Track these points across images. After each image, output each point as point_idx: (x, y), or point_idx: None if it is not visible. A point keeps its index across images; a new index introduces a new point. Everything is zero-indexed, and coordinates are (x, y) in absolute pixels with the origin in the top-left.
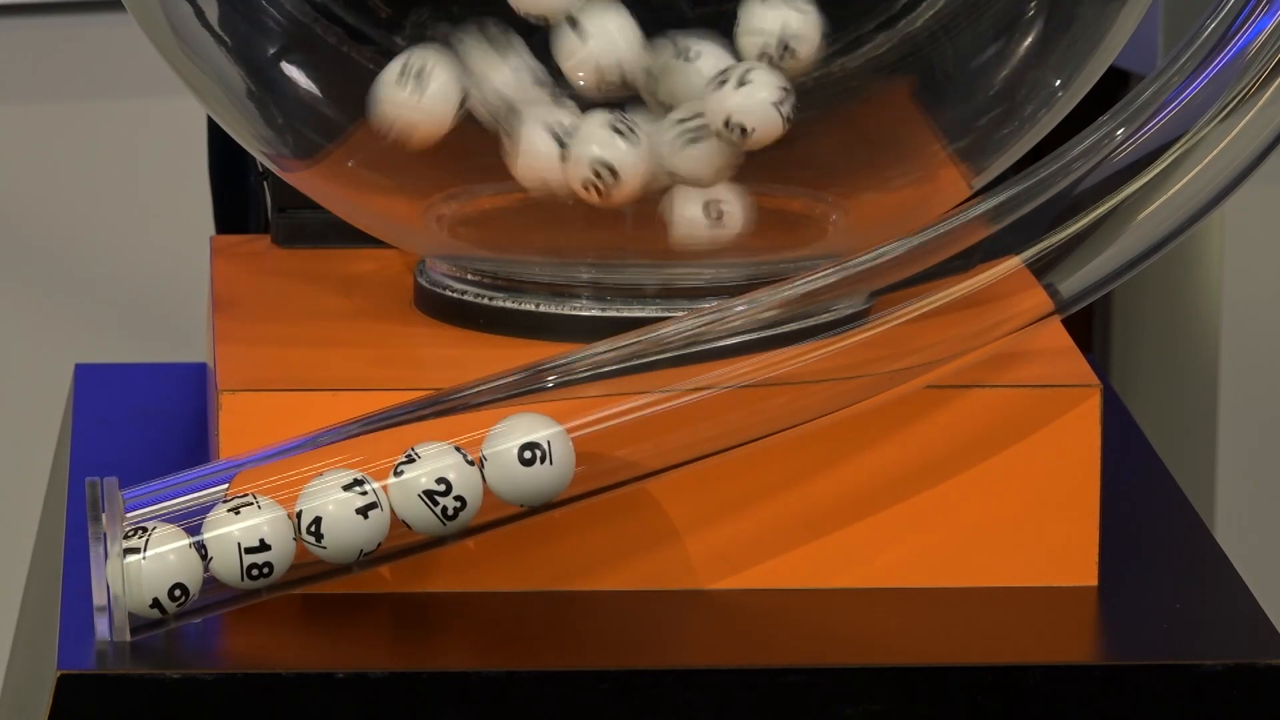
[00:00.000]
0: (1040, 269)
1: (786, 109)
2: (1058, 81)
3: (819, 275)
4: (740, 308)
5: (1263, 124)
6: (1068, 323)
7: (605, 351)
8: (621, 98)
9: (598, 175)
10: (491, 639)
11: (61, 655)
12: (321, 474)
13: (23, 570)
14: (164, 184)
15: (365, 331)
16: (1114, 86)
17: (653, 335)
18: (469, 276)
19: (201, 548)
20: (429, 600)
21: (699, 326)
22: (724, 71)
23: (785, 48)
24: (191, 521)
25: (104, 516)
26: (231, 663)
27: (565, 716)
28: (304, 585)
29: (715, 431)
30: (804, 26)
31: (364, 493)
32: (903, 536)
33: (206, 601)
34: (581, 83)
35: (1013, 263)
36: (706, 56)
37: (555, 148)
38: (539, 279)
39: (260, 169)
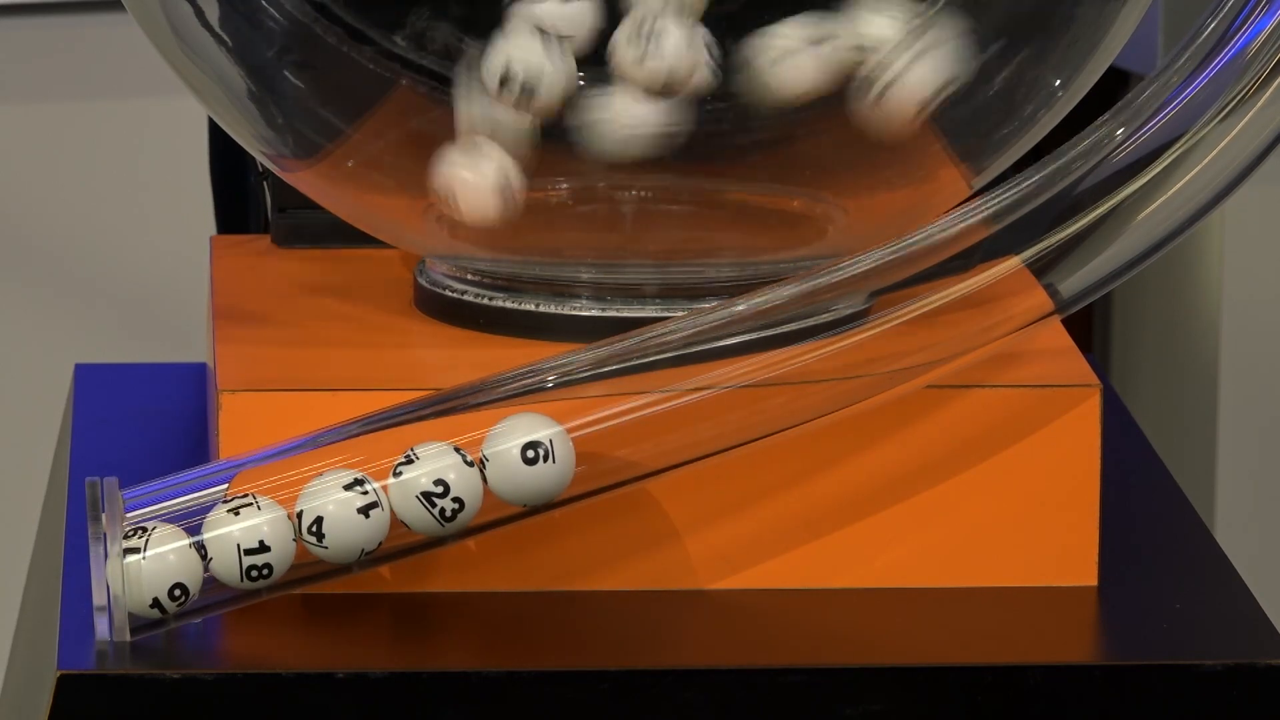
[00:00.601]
0: (1040, 269)
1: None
2: (1058, 81)
3: (819, 275)
4: (740, 308)
5: (1263, 124)
6: (1068, 323)
7: (605, 351)
8: None
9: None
10: (491, 639)
11: (61, 655)
12: (322, 474)
13: (23, 570)
14: (164, 184)
15: (365, 331)
16: (1114, 86)
17: (653, 335)
18: (469, 276)
19: (201, 548)
20: (429, 600)
21: (699, 326)
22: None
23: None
24: (191, 521)
25: (104, 516)
26: (231, 663)
27: (565, 716)
28: (304, 585)
29: (715, 431)
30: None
31: (365, 492)
32: (903, 536)
33: (206, 601)
34: None
35: (1013, 263)
36: None
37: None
38: (539, 279)
39: (260, 169)
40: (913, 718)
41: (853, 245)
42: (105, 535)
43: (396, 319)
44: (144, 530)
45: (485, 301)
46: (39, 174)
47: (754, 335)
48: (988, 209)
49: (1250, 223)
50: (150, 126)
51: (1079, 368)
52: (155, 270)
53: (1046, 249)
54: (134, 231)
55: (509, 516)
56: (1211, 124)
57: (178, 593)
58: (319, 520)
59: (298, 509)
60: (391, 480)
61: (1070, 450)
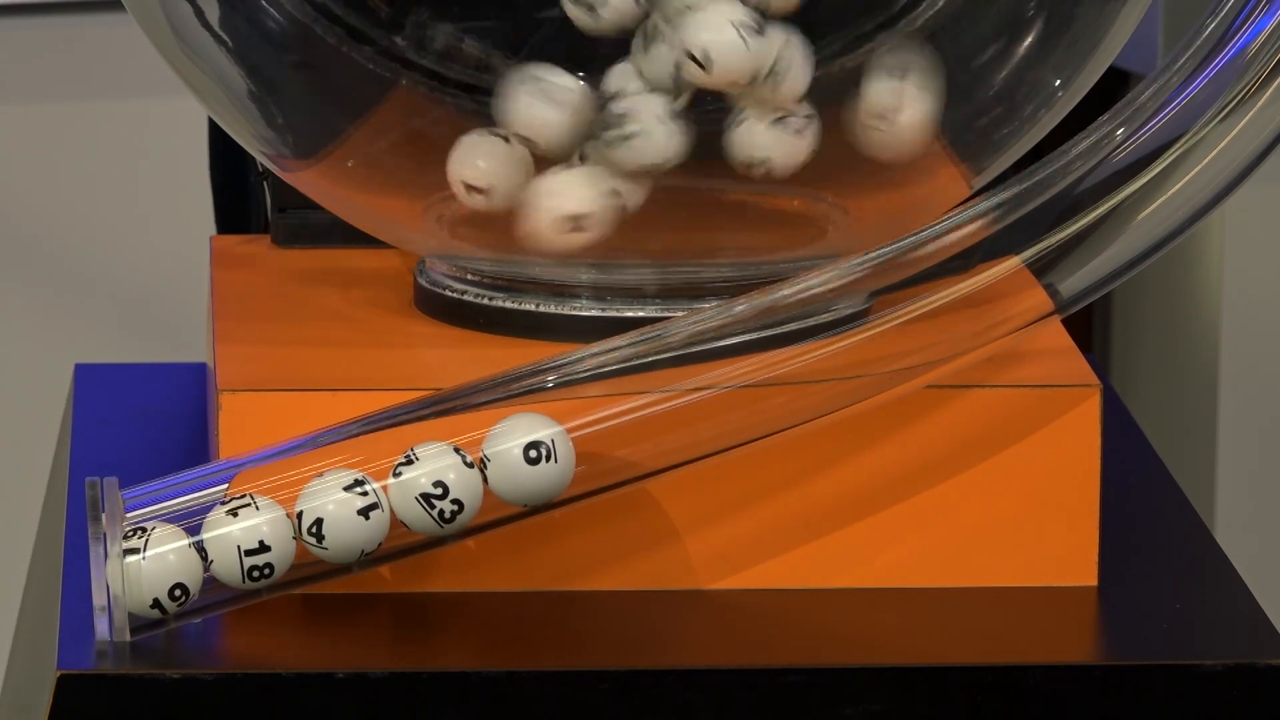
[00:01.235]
0: (1040, 269)
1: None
2: (1058, 81)
3: (819, 275)
4: (740, 308)
5: (1263, 124)
6: (1068, 323)
7: (605, 351)
8: None
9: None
10: (491, 639)
11: (61, 655)
12: (322, 474)
13: (23, 570)
14: (164, 184)
15: (365, 331)
16: (1114, 86)
17: (653, 335)
18: (469, 276)
19: (201, 548)
20: (429, 600)
21: (699, 326)
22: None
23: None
24: (191, 522)
25: (104, 516)
26: (231, 663)
27: (565, 716)
28: (304, 585)
29: (715, 431)
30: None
31: (364, 493)
32: (903, 536)
33: (206, 601)
34: None
35: (1013, 263)
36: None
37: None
38: (539, 279)
39: (260, 169)
40: (913, 718)
41: (853, 245)
42: (105, 535)
43: (396, 319)
44: (144, 530)
45: (485, 301)
46: (39, 174)
47: (754, 335)
48: (988, 209)
49: (1250, 223)
50: (150, 126)
51: (1079, 368)
52: (155, 270)
53: (1046, 249)
54: (134, 231)
55: (509, 516)
56: (1211, 124)
57: (178, 593)
58: (319, 521)
59: (297, 509)
60: (391, 481)
61: (1070, 450)
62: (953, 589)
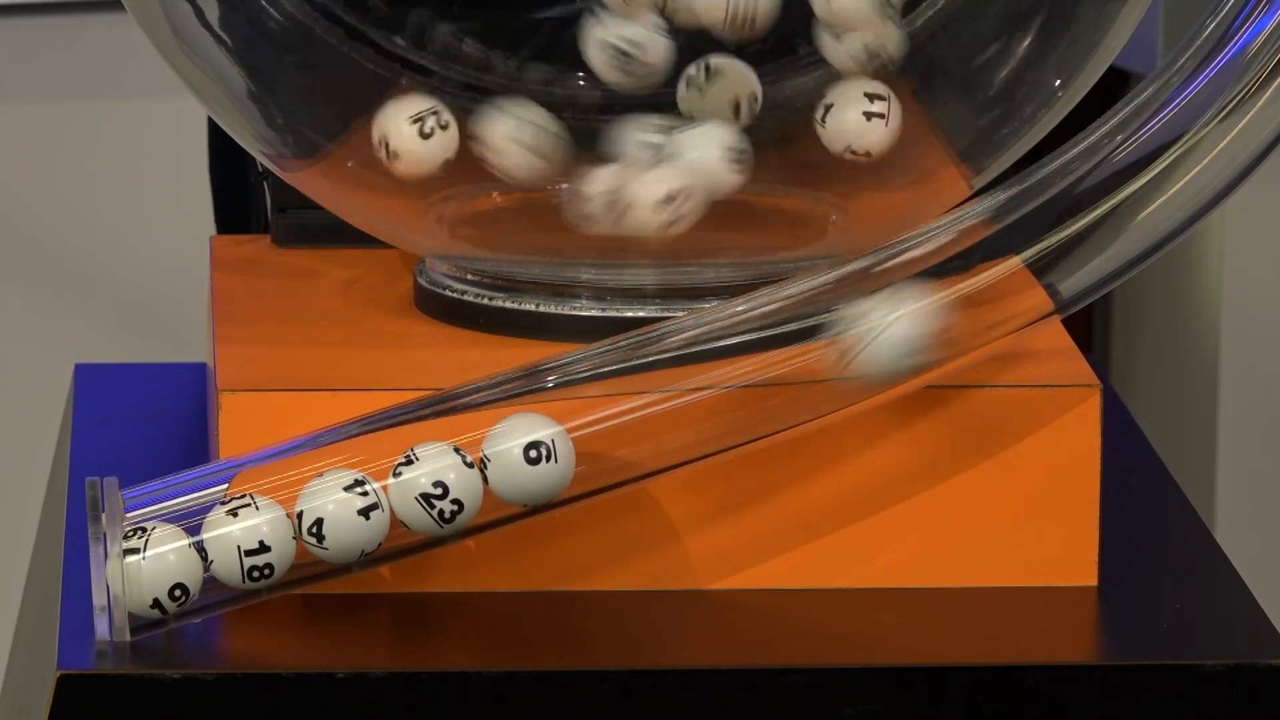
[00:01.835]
0: (1040, 269)
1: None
2: (1058, 81)
3: (819, 275)
4: (740, 308)
5: (1263, 124)
6: (1068, 323)
7: (605, 351)
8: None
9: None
10: (491, 639)
11: (61, 655)
12: (322, 474)
13: (23, 570)
14: (164, 184)
15: (365, 331)
16: (1114, 86)
17: (653, 335)
18: (469, 276)
19: (201, 548)
20: (429, 600)
21: (699, 326)
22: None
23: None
24: (191, 522)
25: (104, 516)
26: (231, 663)
27: (565, 716)
28: (304, 585)
29: (715, 431)
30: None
31: (364, 493)
32: (903, 536)
33: (206, 601)
34: None
35: (1013, 263)
36: None
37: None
38: (539, 279)
39: (260, 169)
40: (913, 718)
41: (853, 245)
42: (105, 535)
43: (396, 319)
44: (144, 530)
45: (485, 301)
46: (39, 174)
47: (754, 335)
48: (988, 209)
49: (1250, 223)
50: (150, 126)
51: (1079, 368)
52: (155, 270)
53: (1046, 249)
54: (134, 231)
55: (509, 516)
56: (1211, 124)
57: (178, 593)
58: (319, 521)
59: (298, 509)
60: (391, 480)
61: (1070, 450)
62: (953, 589)
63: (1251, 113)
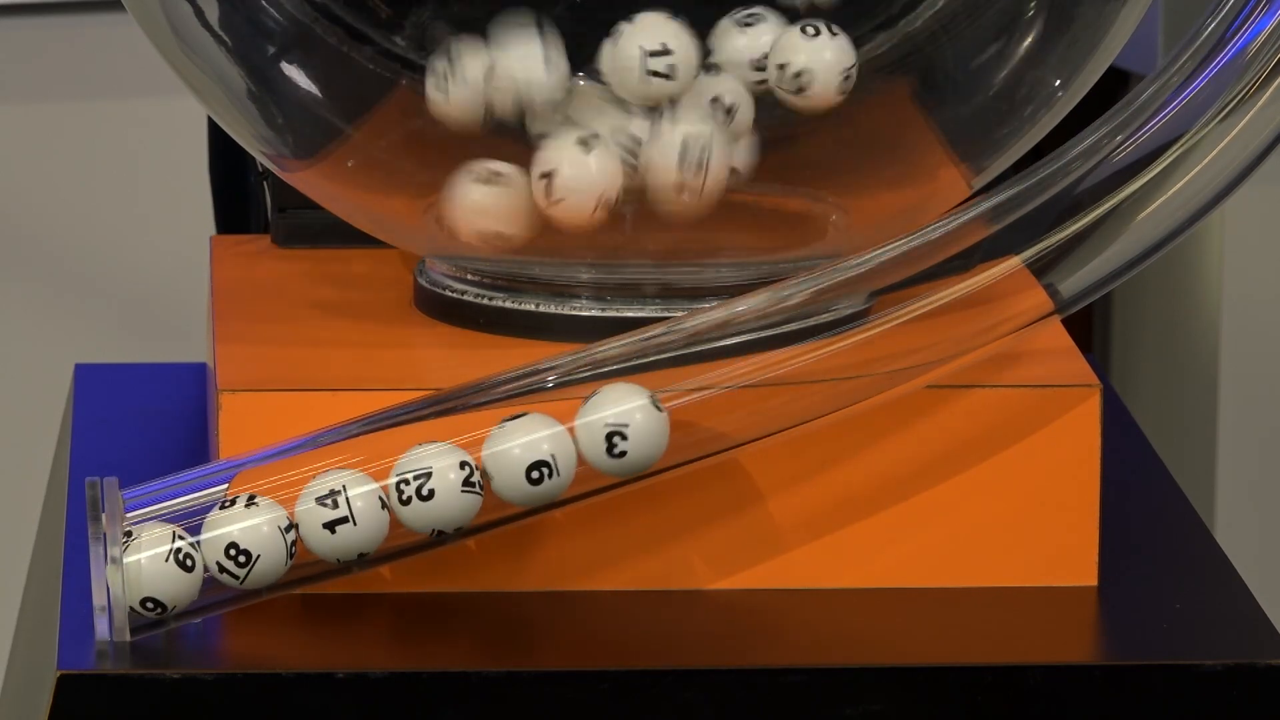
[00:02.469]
0: (1040, 269)
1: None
2: (1058, 81)
3: (819, 275)
4: (740, 308)
5: (1263, 124)
6: (1068, 323)
7: (605, 351)
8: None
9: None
10: (491, 639)
11: (61, 655)
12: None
13: (23, 570)
14: (164, 184)
15: (365, 331)
16: (1114, 86)
17: (653, 335)
18: (469, 276)
19: (200, 547)
20: (429, 600)
21: (699, 326)
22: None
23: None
24: (191, 521)
25: (104, 516)
26: (231, 663)
27: (565, 716)
28: (304, 585)
29: (715, 431)
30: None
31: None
32: (903, 536)
33: (206, 601)
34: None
35: (1013, 263)
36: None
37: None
38: (539, 279)
39: (260, 169)
40: (913, 718)
41: (853, 245)
42: (105, 535)
43: (396, 319)
44: (144, 530)
45: (485, 301)
46: (39, 174)
47: (754, 335)
48: (988, 209)
49: (1250, 223)
50: (150, 126)
51: (1079, 368)
52: (155, 270)
53: (1046, 249)
54: (134, 231)
55: (509, 517)
56: (1211, 124)
57: (177, 592)
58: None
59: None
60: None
61: (1070, 450)
62: (953, 589)
63: (1251, 113)
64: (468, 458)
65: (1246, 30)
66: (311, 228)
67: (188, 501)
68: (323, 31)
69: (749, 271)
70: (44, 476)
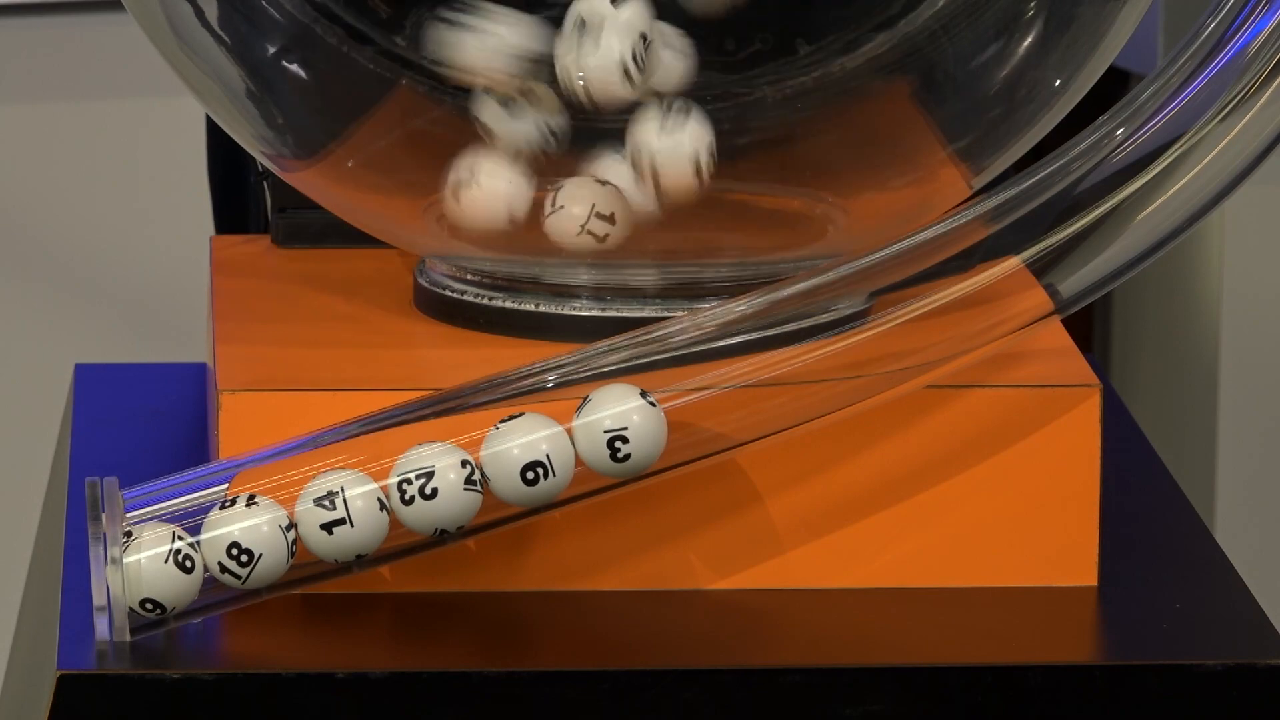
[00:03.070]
0: (1040, 269)
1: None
2: (1058, 81)
3: (819, 275)
4: (740, 308)
5: (1263, 124)
6: (1068, 323)
7: (605, 351)
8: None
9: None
10: (491, 639)
11: (61, 655)
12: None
13: (23, 570)
14: (164, 184)
15: (365, 331)
16: (1114, 86)
17: (653, 335)
18: (469, 276)
19: (200, 547)
20: (429, 600)
21: (699, 326)
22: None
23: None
24: (191, 521)
25: (104, 516)
26: (231, 663)
27: (565, 716)
28: (304, 585)
29: (715, 431)
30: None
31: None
32: (903, 536)
33: (206, 601)
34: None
35: (1013, 263)
36: None
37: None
38: (539, 279)
39: (260, 169)
40: (913, 718)
41: (853, 245)
42: (105, 535)
43: (396, 319)
44: (143, 530)
45: (485, 301)
46: (39, 174)
47: (754, 335)
48: (988, 209)
49: (1250, 223)
50: (150, 126)
51: (1079, 368)
52: (155, 270)
53: (1046, 249)
54: (134, 231)
55: (509, 516)
56: (1211, 124)
57: (177, 592)
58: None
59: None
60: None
61: (1070, 450)
62: (953, 589)
63: (1251, 113)
64: (468, 456)
65: (1246, 30)
66: (311, 228)
67: (188, 501)
68: (323, 31)
69: (749, 271)
70: (44, 476)
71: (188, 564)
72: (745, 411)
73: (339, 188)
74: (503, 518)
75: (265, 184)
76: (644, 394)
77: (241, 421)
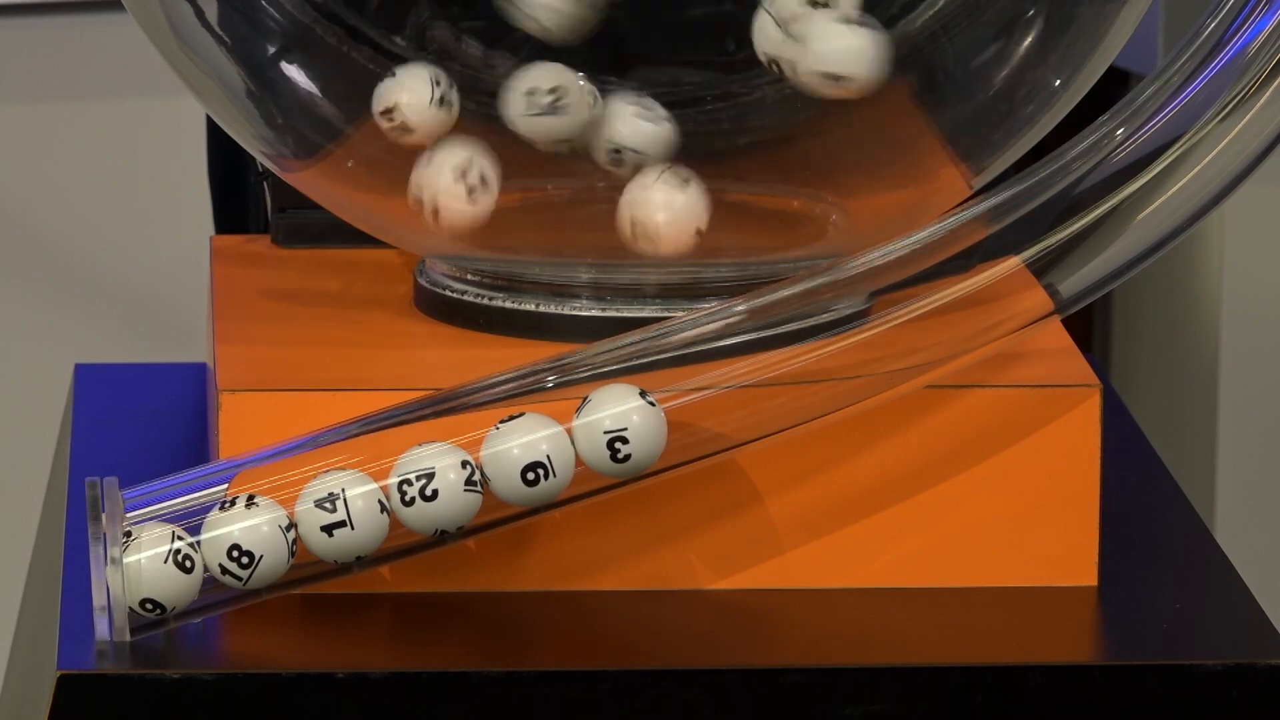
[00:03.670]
0: (1040, 269)
1: None
2: (1058, 81)
3: (819, 275)
4: (740, 308)
5: (1263, 124)
6: (1068, 323)
7: (605, 351)
8: None
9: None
10: (491, 639)
11: (61, 655)
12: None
13: (23, 570)
14: (164, 184)
15: (365, 332)
16: (1114, 86)
17: (653, 335)
18: (469, 276)
19: (200, 548)
20: (429, 600)
21: (699, 326)
22: None
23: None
24: (191, 521)
25: (104, 516)
26: (231, 663)
27: (565, 716)
28: (304, 585)
29: (715, 431)
30: None
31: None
32: (903, 536)
33: (206, 601)
34: None
35: (1013, 263)
36: None
37: None
38: (539, 279)
39: (260, 169)
40: (913, 718)
41: (853, 245)
42: (105, 535)
43: (396, 319)
44: (143, 530)
45: (485, 301)
46: (39, 174)
47: (754, 335)
48: (988, 209)
49: (1250, 223)
50: (149, 126)
51: (1079, 368)
52: (155, 270)
53: (1046, 249)
54: (134, 231)
55: (510, 516)
56: (1211, 124)
57: (177, 593)
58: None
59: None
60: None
61: (1070, 450)
62: (953, 589)
63: (1251, 113)
64: (468, 457)
65: (1246, 30)
66: (311, 228)
67: (188, 501)
68: (323, 31)
69: (749, 271)
70: (44, 476)
71: (187, 564)
72: (745, 411)
73: (339, 188)
74: (502, 518)
75: (265, 184)
76: (644, 394)
77: (241, 421)
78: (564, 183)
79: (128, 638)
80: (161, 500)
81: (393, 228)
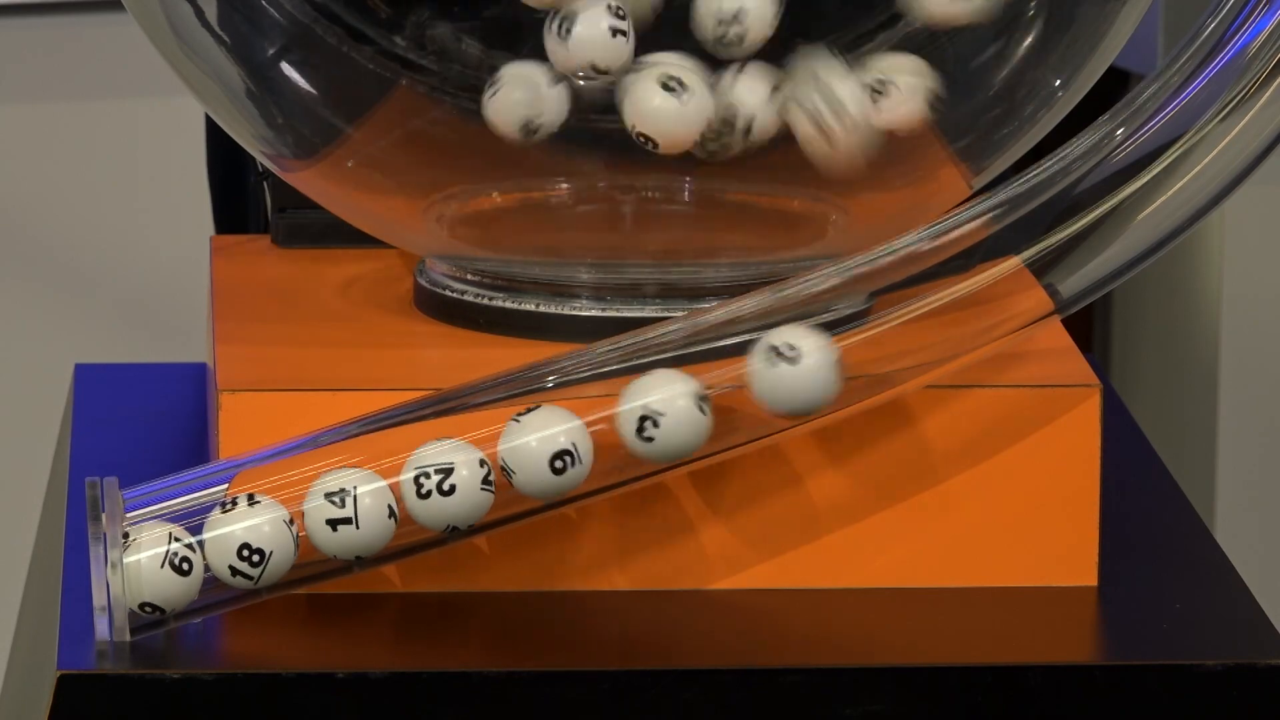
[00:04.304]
0: (1040, 269)
1: None
2: (1058, 81)
3: (819, 275)
4: (740, 308)
5: (1263, 124)
6: (1068, 323)
7: (605, 351)
8: None
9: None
10: (491, 639)
11: (61, 655)
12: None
13: (23, 570)
14: (164, 184)
15: (365, 331)
16: (1114, 86)
17: (653, 335)
18: (469, 276)
19: (201, 548)
20: (430, 600)
21: (699, 326)
22: None
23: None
24: (191, 521)
25: (104, 516)
26: (231, 663)
27: (565, 716)
28: (304, 585)
29: (715, 431)
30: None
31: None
32: (903, 536)
33: (206, 601)
34: None
35: (1013, 263)
36: None
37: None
38: (539, 279)
39: (260, 169)
40: (913, 718)
41: (853, 245)
42: (105, 535)
43: (396, 319)
44: (143, 530)
45: (485, 301)
46: (39, 174)
47: (754, 335)
48: (988, 209)
49: (1250, 223)
50: (149, 126)
51: (1079, 368)
52: (155, 270)
53: (1046, 249)
54: (134, 231)
55: (510, 516)
56: (1211, 124)
57: (177, 593)
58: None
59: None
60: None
61: (1070, 450)
62: (953, 589)
63: (1251, 113)
64: (484, 455)
65: (1246, 30)
66: (311, 228)
67: (188, 501)
68: (323, 31)
69: (749, 271)
70: (44, 476)
71: (187, 565)
72: (745, 411)
73: (339, 188)
74: (508, 515)
75: (265, 184)
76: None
77: (241, 421)
78: (564, 183)
79: (128, 638)
80: (161, 500)
81: (393, 228)
